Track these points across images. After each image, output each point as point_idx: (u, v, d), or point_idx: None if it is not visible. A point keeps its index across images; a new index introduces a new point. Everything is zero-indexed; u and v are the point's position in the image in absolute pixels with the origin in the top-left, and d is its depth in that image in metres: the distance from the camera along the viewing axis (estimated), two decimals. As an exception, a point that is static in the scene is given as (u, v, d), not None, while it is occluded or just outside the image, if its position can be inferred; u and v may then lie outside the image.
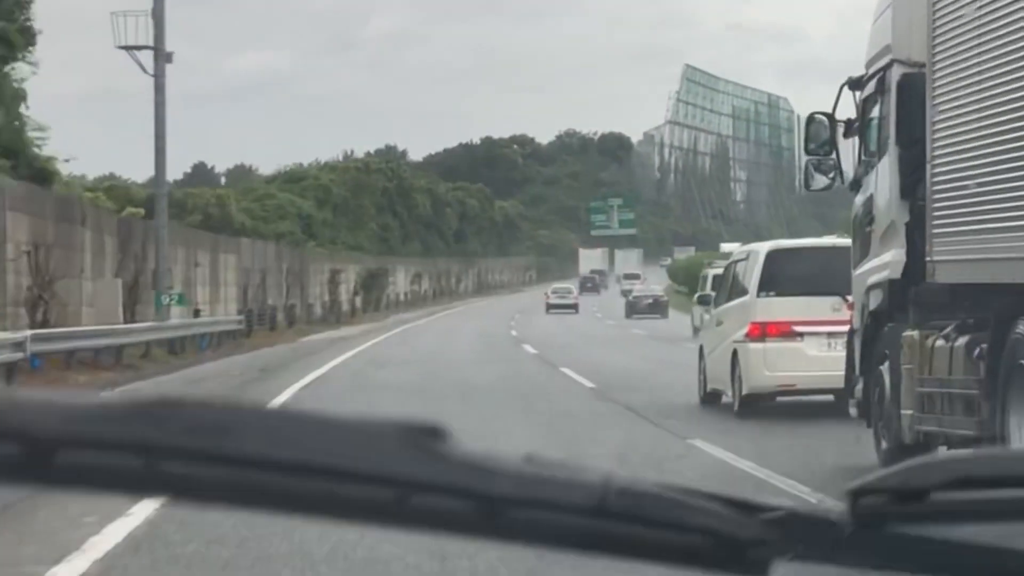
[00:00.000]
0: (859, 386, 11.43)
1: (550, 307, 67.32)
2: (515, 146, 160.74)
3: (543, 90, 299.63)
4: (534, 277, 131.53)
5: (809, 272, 16.12)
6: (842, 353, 14.84)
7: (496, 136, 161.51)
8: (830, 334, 15.67)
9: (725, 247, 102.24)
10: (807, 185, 11.91)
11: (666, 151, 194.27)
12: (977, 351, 9.15)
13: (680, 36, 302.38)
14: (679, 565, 1.16)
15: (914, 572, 1.20)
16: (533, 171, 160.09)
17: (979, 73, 9.11)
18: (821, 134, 11.54)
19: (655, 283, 76.38)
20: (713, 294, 20.22)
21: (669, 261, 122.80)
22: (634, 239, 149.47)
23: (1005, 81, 8.76)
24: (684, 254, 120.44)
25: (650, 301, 60.30)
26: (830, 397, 15.91)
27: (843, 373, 14.67)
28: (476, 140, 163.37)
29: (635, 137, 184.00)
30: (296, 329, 47.16)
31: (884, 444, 10.96)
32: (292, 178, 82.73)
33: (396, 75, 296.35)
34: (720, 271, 37.39)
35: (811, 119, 11.56)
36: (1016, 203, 8.52)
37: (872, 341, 11.19)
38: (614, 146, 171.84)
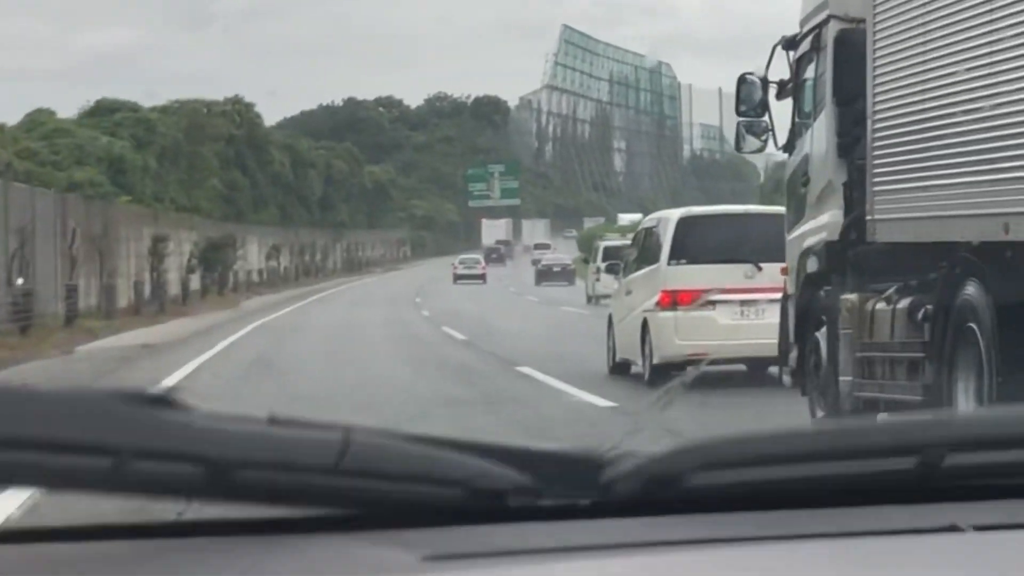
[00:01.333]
0: (793, 353, 11.27)
1: (457, 277, 68.08)
2: (381, 108, 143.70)
3: (409, 63, 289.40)
4: (408, 253, 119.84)
5: (721, 239, 16.04)
6: (755, 321, 15.67)
7: (360, 98, 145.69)
8: (743, 302, 15.74)
9: (624, 218, 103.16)
10: (738, 147, 11.76)
11: (544, 118, 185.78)
12: (921, 313, 9.03)
13: (548, 8, 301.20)
14: (429, 519, 1.14)
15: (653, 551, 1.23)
16: (402, 136, 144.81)
17: (923, 25, 8.99)
18: (753, 95, 11.34)
19: (564, 253, 77.59)
20: (620, 263, 19.62)
21: (575, 233, 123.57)
22: (515, 211, 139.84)
23: (951, 32, 8.65)
24: (594, 222, 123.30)
25: (558, 269, 63.57)
26: (742, 367, 16.01)
27: (756, 342, 15.32)
28: (338, 102, 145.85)
29: (512, 102, 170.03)
30: (81, 327, 29.12)
31: (820, 413, 10.80)
32: (101, 110, 58.90)
33: (251, 51, 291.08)
34: (613, 243, 45.61)
35: (743, 80, 11.38)
36: (964, 157, 8.40)
37: (808, 307, 11.07)
38: (489, 110, 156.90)
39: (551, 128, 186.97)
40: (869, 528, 1.27)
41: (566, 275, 62.74)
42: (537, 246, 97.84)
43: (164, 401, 1.14)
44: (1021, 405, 7.23)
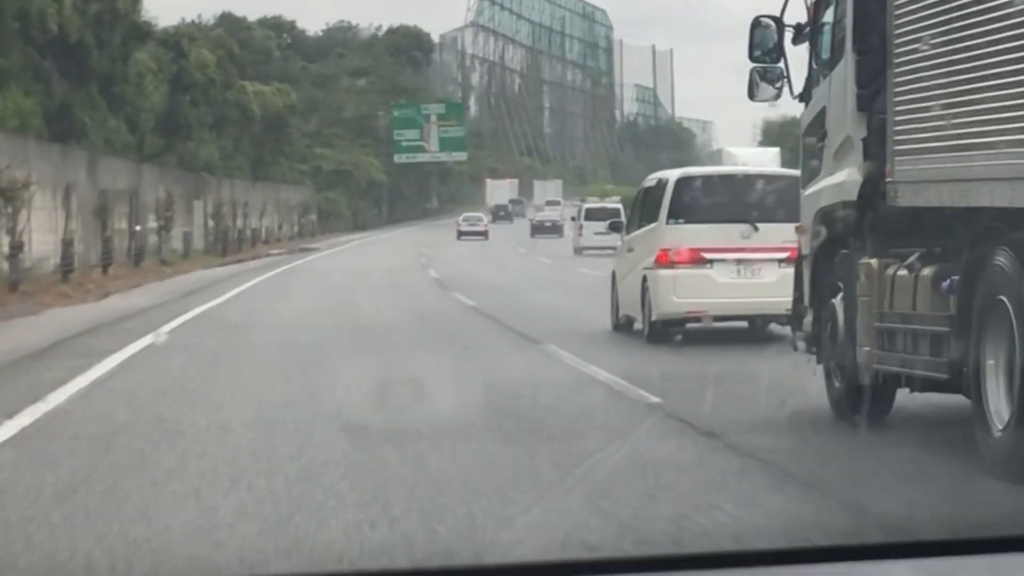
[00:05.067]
0: (808, 318, 10.87)
1: (461, 234, 77.83)
2: (268, 31, 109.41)
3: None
4: (315, 224, 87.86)
5: (719, 199, 17.09)
6: (751, 280, 16.70)
7: (240, 15, 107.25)
8: (739, 261, 16.75)
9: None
10: (751, 95, 11.33)
11: (468, 62, 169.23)
12: (947, 284, 8.69)
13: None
14: None
15: None
16: (296, 67, 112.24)
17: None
18: (768, 40, 10.99)
19: (555, 211, 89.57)
20: (623, 221, 21.64)
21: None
22: (527, 171, 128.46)
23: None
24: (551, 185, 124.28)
25: (549, 224, 78.32)
26: (744, 324, 17.31)
27: (752, 300, 16.51)
28: (209, 18, 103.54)
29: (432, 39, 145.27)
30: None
31: (837, 383, 10.40)
32: None
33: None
34: (594, 204, 56.02)
35: (756, 23, 11.02)
36: (994, 115, 7.98)
37: (823, 270, 10.78)
38: (408, 44, 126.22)
39: (478, 77, 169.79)
40: None
41: (556, 229, 76.38)
42: (548, 203, 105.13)
43: None
44: None
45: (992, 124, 8.15)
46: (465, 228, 78.39)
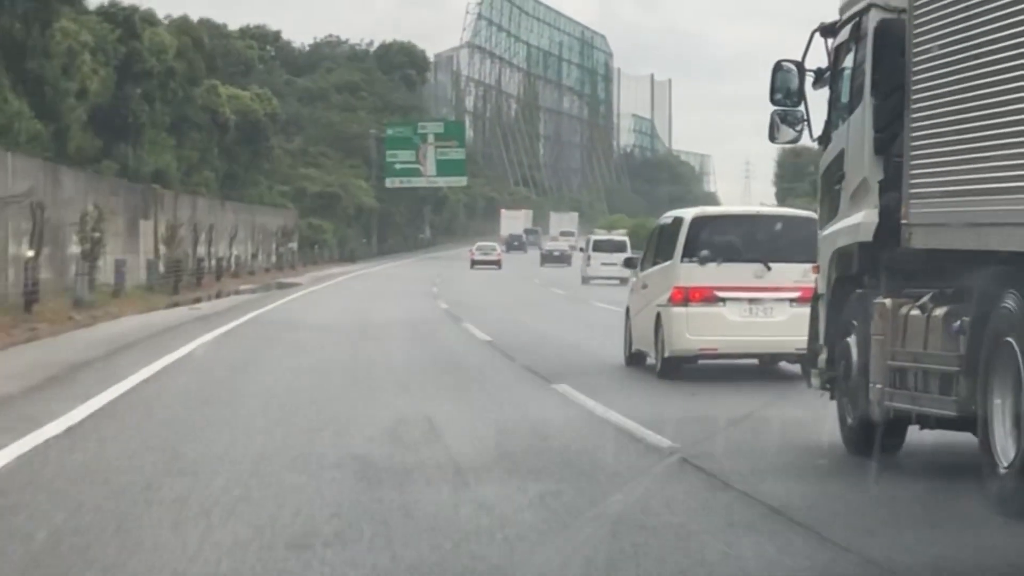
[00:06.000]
0: (823, 356, 11.61)
1: (475, 263, 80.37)
2: (251, 40, 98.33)
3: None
4: (296, 254, 77.48)
5: (732, 239, 17.98)
6: (763, 319, 17.61)
7: (220, 22, 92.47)
8: (751, 300, 17.65)
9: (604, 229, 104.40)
10: (772, 137, 12.08)
11: (464, 84, 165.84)
12: (957, 324, 9.38)
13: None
14: None
15: None
16: (281, 80, 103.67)
17: (967, 18, 9.29)
18: (789, 83, 11.71)
19: (565, 242, 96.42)
20: (635, 256, 22.38)
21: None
22: (540, 202, 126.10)
23: (994, 28, 8.96)
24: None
25: (558, 254, 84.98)
26: (755, 361, 18.32)
27: (764, 339, 17.45)
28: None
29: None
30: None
31: (849, 420, 11.15)
32: None
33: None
34: (602, 237, 61.31)
35: (778, 67, 11.78)
36: (1005, 161, 8.69)
37: (839, 308, 11.47)
38: (402, 62, 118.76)
39: (472, 100, 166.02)
40: None
41: (564, 259, 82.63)
42: (563, 233, 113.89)
43: None
44: None
45: (1004, 170, 8.84)
46: (479, 257, 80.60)
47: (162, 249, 45.81)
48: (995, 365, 8.94)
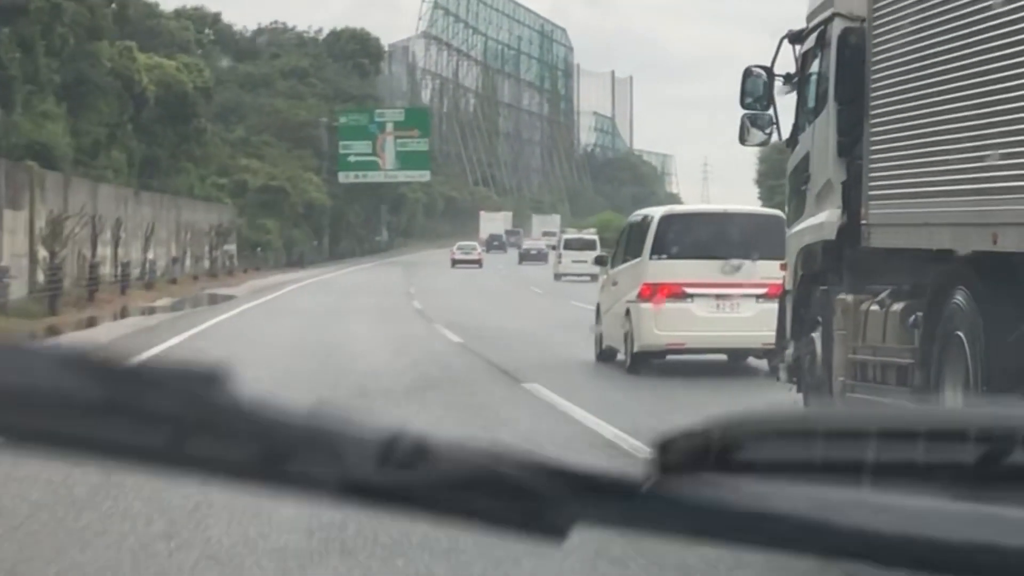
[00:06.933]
0: (790, 350, 12.70)
1: (455, 262, 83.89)
2: (187, 21, 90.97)
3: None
4: (234, 258, 69.46)
5: (700, 236, 19.08)
6: (730, 315, 18.65)
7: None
8: (719, 296, 18.76)
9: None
10: (742, 140, 13.13)
11: (419, 75, 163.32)
12: (912, 319, 10.42)
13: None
14: (473, 524, 1.22)
15: (714, 537, 1.25)
16: (221, 66, 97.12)
17: (920, 29, 10.29)
18: (758, 88, 12.77)
19: (542, 241, 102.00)
20: (605, 254, 24.15)
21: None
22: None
23: (946, 39, 9.91)
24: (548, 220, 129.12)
25: (535, 252, 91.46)
26: (723, 357, 19.32)
27: (731, 334, 18.49)
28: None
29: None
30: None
31: (812, 412, 12.25)
32: None
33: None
34: (573, 235, 66.45)
35: (748, 72, 12.79)
36: (955, 165, 9.73)
37: (805, 304, 12.49)
38: (354, 49, 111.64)
39: (429, 93, 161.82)
40: None
41: (541, 256, 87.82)
42: (545, 233, 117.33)
43: (218, 378, 1.19)
44: None
45: (955, 174, 9.81)
46: (460, 256, 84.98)
47: (41, 252, 35.39)
48: (946, 357, 9.93)
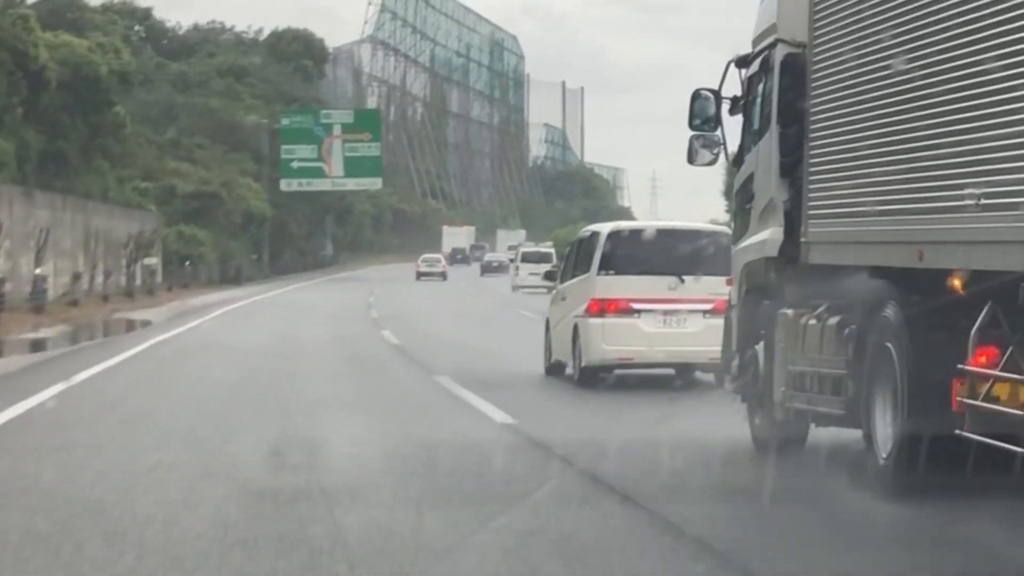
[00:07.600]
0: (735, 362, 13.67)
1: (420, 274, 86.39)
2: (114, 15, 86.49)
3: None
4: (157, 274, 61.99)
5: (648, 253, 19.98)
6: (677, 329, 19.59)
7: None
8: (666, 312, 19.67)
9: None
10: (690, 160, 14.09)
11: (364, 80, 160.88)
12: (847, 332, 11.35)
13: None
14: None
15: None
16: (151, 65, 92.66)
17: (857, 57, 11.16)
18: (707, 110, 13.75)
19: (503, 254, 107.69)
20: (554, 268, 25.02)
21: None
22: (487, 219, 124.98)
23: (881, 66, 10.70)
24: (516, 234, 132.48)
25: (496, 264, 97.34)
26: (671, 371, 20.21)
27: (678, 349, 19.46)
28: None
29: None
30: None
31: (757, 420, 13.25)
32: None
33: None
34: (529, 248, 72.34)
35: (697, 95, 13.75)
36: (885, 187, 10.68)
37: (749, 318, 13.43)
38: (297, 51, 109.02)
39: (376, 100, 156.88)
40: None
41: (502, 268, 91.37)
42: (510, 247, 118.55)
43: None
44: None
45: (886, 195, 10.53)
46: (424, 269, 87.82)
47: None
48: (877, 368, 10.80)
